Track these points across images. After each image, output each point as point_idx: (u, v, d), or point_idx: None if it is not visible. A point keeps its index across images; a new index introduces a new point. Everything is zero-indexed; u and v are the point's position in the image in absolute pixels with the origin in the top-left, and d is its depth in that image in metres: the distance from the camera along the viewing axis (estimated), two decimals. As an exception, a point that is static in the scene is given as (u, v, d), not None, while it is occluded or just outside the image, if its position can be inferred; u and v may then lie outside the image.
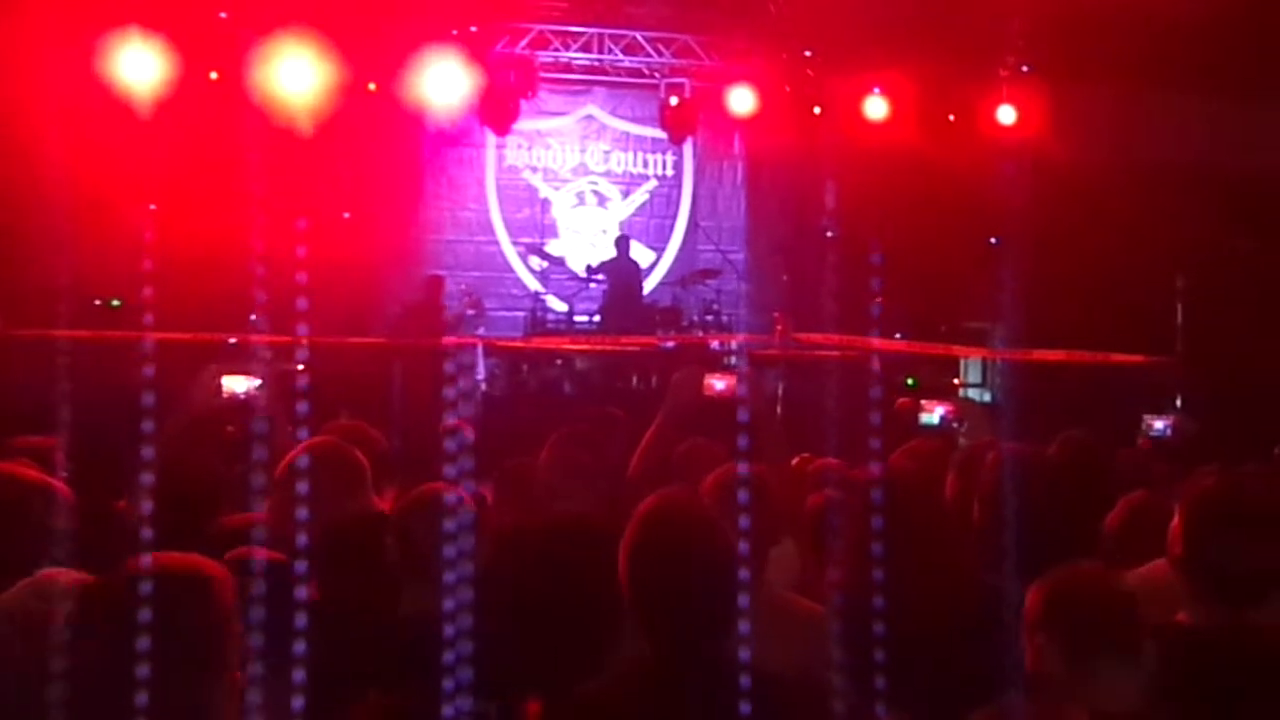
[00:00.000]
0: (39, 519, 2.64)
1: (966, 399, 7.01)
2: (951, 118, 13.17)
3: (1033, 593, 2.61)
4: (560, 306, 14.23)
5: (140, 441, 2.80)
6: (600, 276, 13.60)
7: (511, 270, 14.70)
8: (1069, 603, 2.58)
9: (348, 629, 2.66)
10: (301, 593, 2.03)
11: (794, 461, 4.39)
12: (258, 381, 3.68)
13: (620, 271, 13.43)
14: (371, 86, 12.17)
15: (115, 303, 10.53)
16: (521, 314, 14.12)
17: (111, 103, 9.83)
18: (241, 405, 3.45)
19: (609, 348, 12.36)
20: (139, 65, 10.15)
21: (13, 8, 9.01)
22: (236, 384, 3.56)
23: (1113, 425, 7.21)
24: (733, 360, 12.63)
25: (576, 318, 14.04)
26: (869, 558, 2.34)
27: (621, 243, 13.73)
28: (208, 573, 2.21)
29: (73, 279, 8.51)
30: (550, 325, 13.90)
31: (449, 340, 11.85)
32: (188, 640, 2.11)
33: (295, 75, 10.40)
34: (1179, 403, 9.93)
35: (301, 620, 1.98)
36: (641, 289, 13.67)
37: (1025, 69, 12.52)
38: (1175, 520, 2.88)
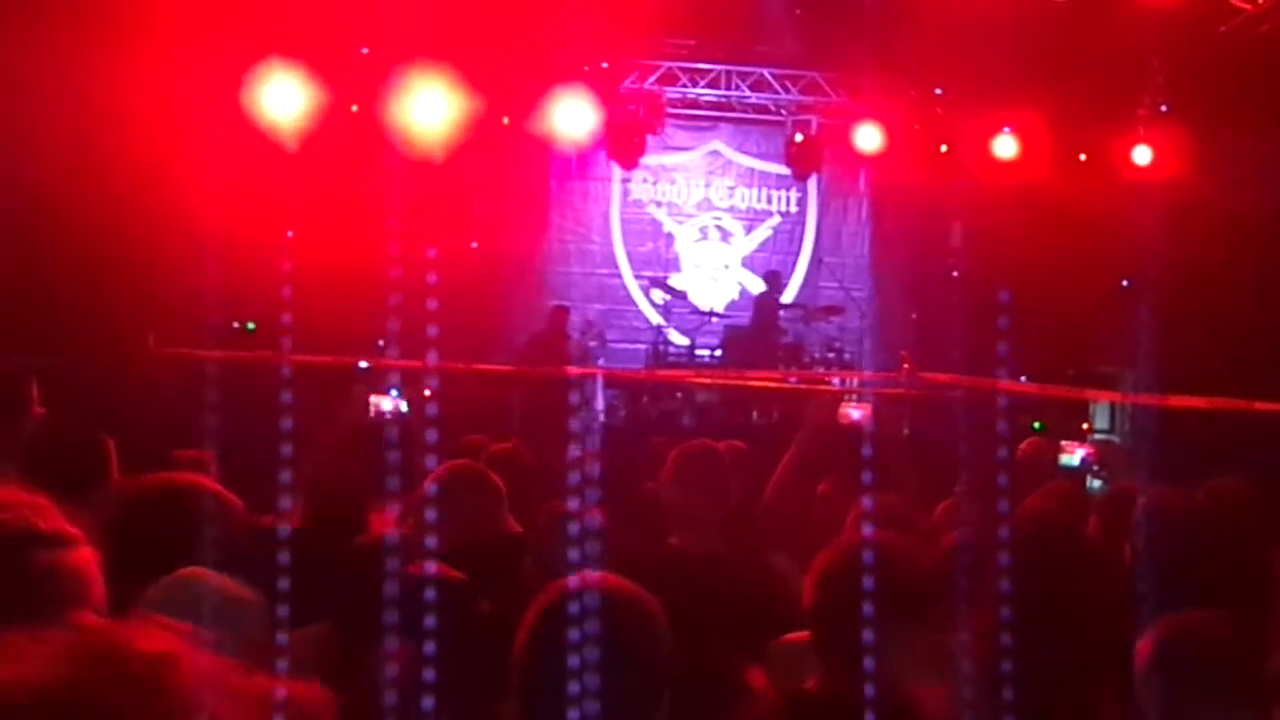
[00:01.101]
0: (210, 525, 2.74)
1: (1107, 442, 6.83)
2: (1083, 157, 12.93)
3: (1148, 639, 2.53)
4: (682, 340, 14.28)
5: (291, 456, 2.89)
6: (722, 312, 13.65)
7: (634, 303, 14.81)
8: (1186, 649, 2.50)
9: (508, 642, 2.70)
10: (479, 606, 2.07)
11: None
12: (404, 402, 3.77)
13: (767, 307, 13.49)
14: (505, 120, 12.42)
15: (250, 326, 10.87)
16: (643, 347, 14.21)
17: (256, 133, 10.19)
18: (389, 423, 3.54)
19: (734, 383, 12.36)
20: (283, 97, 10.50)
21: (164, 42, 9.41)
22: (384, 403, 3.65)
23: (1251, 474, 6.97)
24: (854, 399, 12.52)
25: (698, 352, 14.08)
26: (1018, 599, 2.30)
27: (772, 278, 13.80)
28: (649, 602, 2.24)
29: (216, 302, 8.84)
30: (671, 359, 13.96)
31: (571, 370, 11.97)
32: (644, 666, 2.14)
33: (431, 108, 10.66)
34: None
35: (475, 632, 2.02)
36: (779, 326, 13.65)
37: (1164, 109, 12.24)
38: None
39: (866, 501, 3.04)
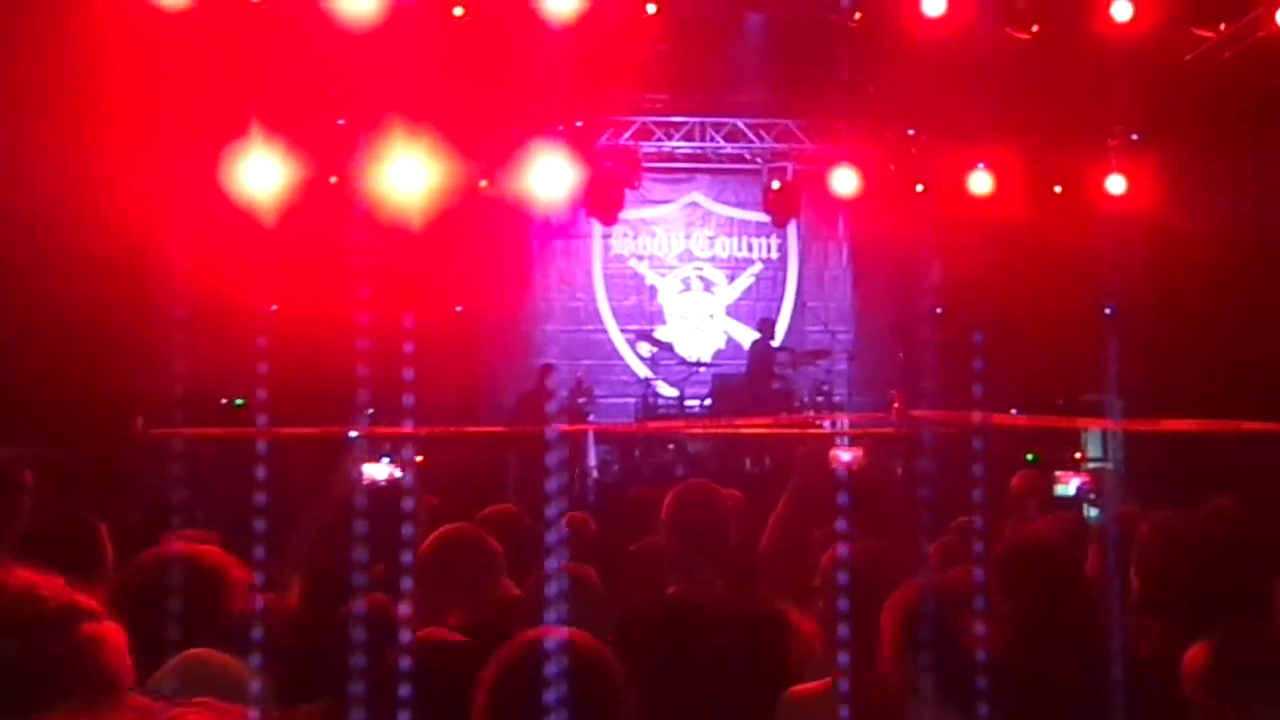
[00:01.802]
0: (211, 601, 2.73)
1: (1102, 470, 6.84)
2: (1058, 189, 13.04)
3: (1199, 650, 2.54)
4: (670, 392, 14.29)
5: (285, 530, 2.89)
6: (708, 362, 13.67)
7: (620, 357, 14.84)
8: (1241, 659, 2.52)
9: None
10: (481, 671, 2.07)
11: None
12: (398, 470, 3.77)
13: (763, 355, 13.53)
14: (483, 184, 12.49)
15: (239, 402, 10.84)
16: (632, 400, 14.22)
17: (237, 209, 10.23)
18: (383, 491, 3.53)
19: (726, 431, 12.36)
20: (261, 172, 10.55)
21: (139, 117, 9.46)
22: (377, 471, 3.65)
23: (1245, 493, 6.98)
24: (845, 441, 12.52)
25: (687, 402, 14.08)
26: (1019, 628, 2.30)
27: (766, 325, 13.86)
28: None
29: (199, 380, 8.82)
30: (661, 411, 13.96)
31: (561, 428, 11.96)
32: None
33: (408, 175, 10.73)
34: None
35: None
36: (775, 373, 13.65)
37: (1134, 138, 12.38)
38: None
39: (843, 548, 3.03)
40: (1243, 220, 11.23)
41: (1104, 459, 12.57)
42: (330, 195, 11.67)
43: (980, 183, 12.97)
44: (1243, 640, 2.57)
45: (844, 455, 4.80)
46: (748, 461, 12.52)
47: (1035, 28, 10.77)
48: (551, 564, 3.47)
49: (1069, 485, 4.87)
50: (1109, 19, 9.62)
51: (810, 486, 4.18)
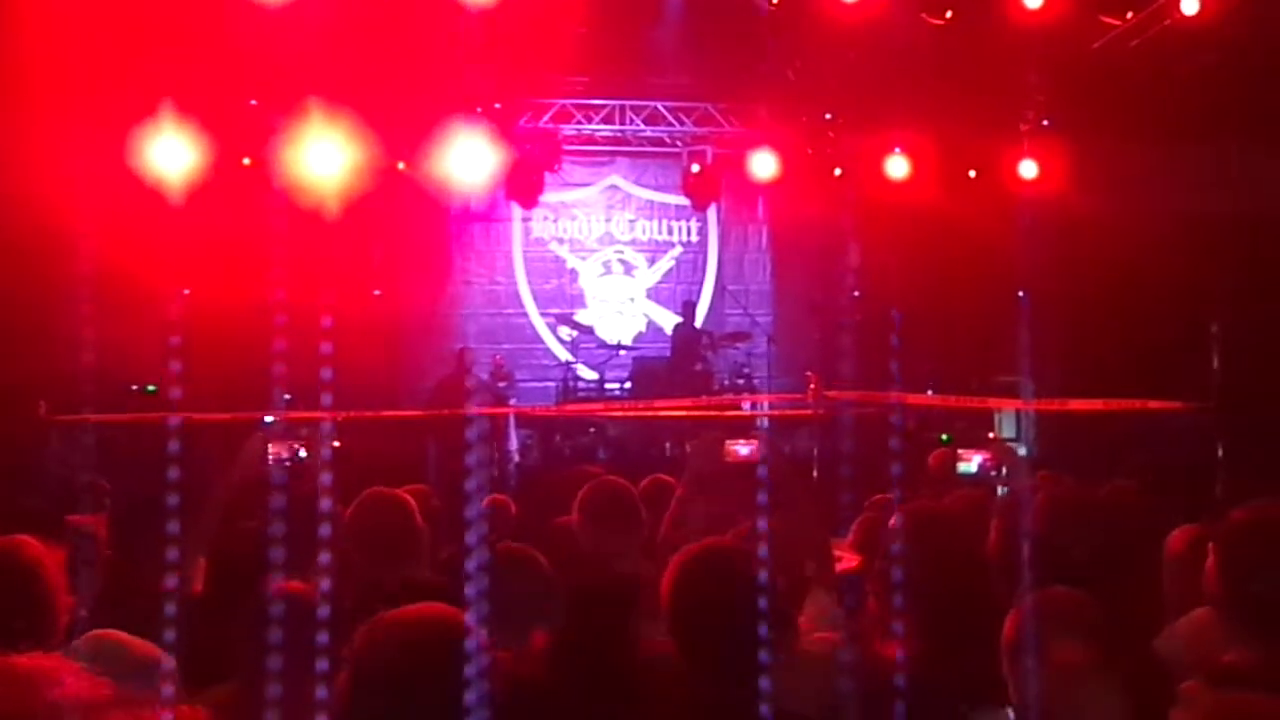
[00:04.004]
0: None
1: (1004, 445, 6.97)
2: (973, 174, 13.23)
3: (1014, 615, 2.61)
4: (590, 375, 14.29)
5: (186, 514, 2.84)
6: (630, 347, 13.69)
7: (541, 341, 14.80)
8: (1048, 623, 2.58)
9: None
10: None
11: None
12: (303, 450, 3.72)
13: (687, 338, 13.57)
14: (400, 166, 12.36)
15: (150, 388, 10.64)
16: (553, 384, 14.20)
17: (146, 191, 10.02)
18: (289, 472, 3.49)
19: (646, 414, 12.39)
20: (172, 153, 10.35)
21: (48, 98, 9.22)
22: (283, 451, 3.60)
23: (1148, 470, 7.17)
24: (764, 423, 12.62)
25: (607, 386, 14.10)
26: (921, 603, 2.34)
27: (689, 308, 13.90)
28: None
29: (109, 364, 8.64)
30: (581, 394, 13.95)
31: (480, 411, 11.90)
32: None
33: (324, 157, 10.58)
34: (1219, 450, 9.84)
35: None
36: (700, 356, 13.67)
37: (1045, 123, 12.59)
38: (1210, 560, 2.85)
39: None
40: (1149, 205, 11.50)
41: (1018, 439, 12.82)
42: (244, 177, 11.48)
43: (897, 167, 13.12)
44: (1049, 606, 2.62)
45: (740, 449, 4.81)
46: (668, 445, 12.56)
47: (949, 14, 10.89)
48: (471, 544, 3.45)
49: (971, 463, 4.95)
50: (1020, 6, 9.75)
51: (704, 479, 4.23)
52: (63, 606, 2.75)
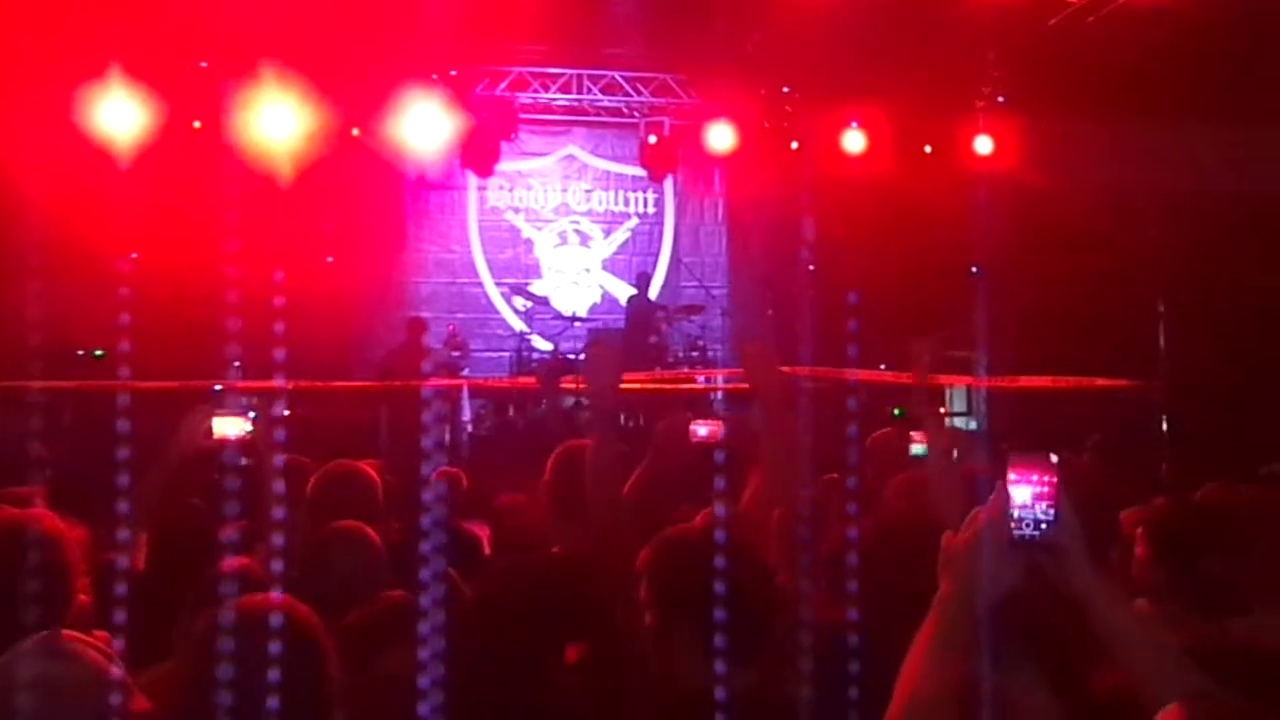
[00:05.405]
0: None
1: (953, 428, 7.02)
2: (928, 149, 13.28)
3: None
4: (545, 346, 14.23)
5: (128, 488, 2.79)
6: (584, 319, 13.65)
7: (496, 311, 14.72)
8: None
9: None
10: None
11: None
12: (248, 425, 3.67)
13: (642, 310, 13.53)
14: (355, 132, 12.22)
15: (98, 353, 10.49)
16: (506, 354, 14.13)
17: (94, 152, 9.85)
18: (232, 447, 3.44)
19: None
20: (121, 115, 10.18)
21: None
22: (228, 426, 3.55)
23: (1099, 445, 7.27)
24: (719, 396, 12.63)
25: (562, 356, 14.04)
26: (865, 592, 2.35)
27: (644, 280, 13.86)
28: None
29: (55, 329, 8.50)
30: (535, 365, 13.90)
31: (433, 382, 11.84)
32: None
33: (277, 122, 10.46)
34: (1164, 426, 9.99)
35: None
36: (655, 328, 13.64)
37: (1000, 100, 12.65)
38: (1140, 550, 2.89)
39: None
40: (1102, 183, 11.58)
41: (969, 414, 12.93)
42: (194, 141, 11.30)
43: (853, 141, 13.15)
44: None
45: (701, 429, 4.82)
46: (622, 416, 12.55)
47: (908, -11, 10.89)
48: (425, 519, 3.43)
49: (923, 445, 4.98)
50: (978, -19, 9.78)
51: (668, 459, 4.23)
52: (78, 586, 2.69)
